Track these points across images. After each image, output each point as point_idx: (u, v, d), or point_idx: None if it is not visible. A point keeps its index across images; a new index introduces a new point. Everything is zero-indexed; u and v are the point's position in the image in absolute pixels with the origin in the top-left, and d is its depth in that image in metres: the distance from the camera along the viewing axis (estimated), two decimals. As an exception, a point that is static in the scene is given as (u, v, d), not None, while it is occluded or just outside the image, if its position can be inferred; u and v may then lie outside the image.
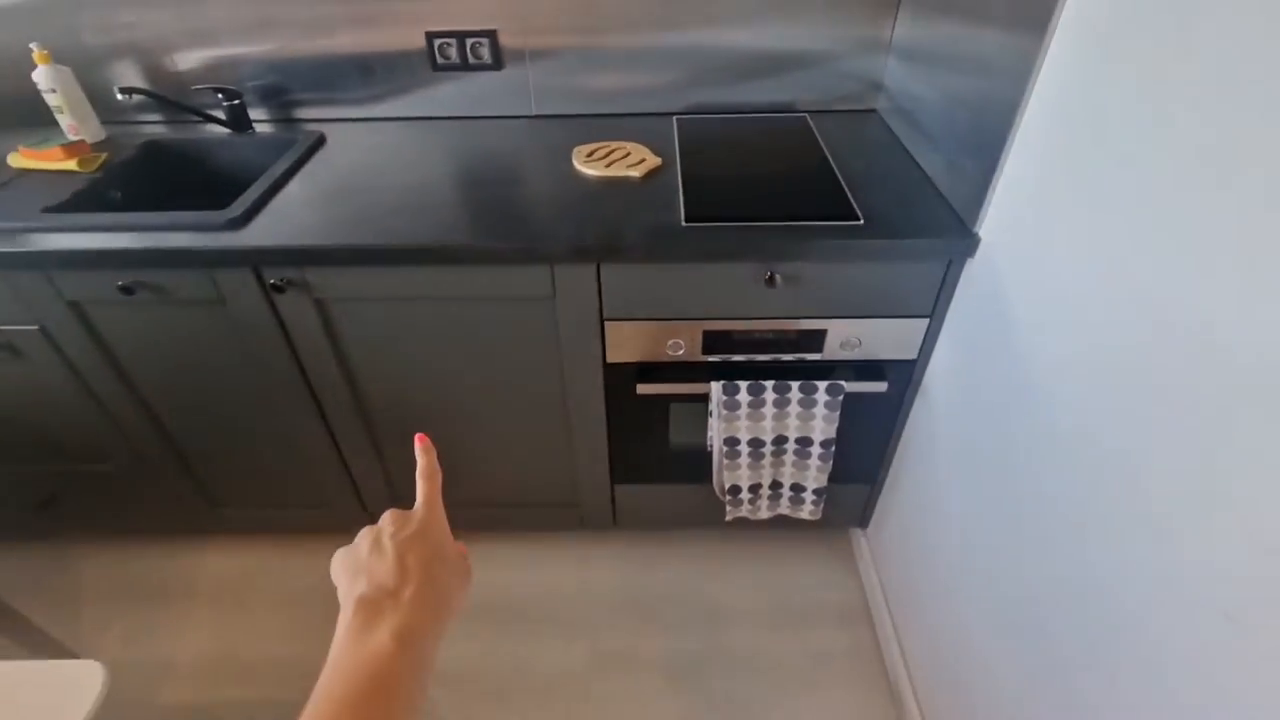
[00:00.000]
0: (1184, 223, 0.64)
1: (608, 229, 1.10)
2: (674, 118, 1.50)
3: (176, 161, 1.44)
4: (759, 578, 1.58)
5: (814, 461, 1.33)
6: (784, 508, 1.43)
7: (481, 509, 1.55)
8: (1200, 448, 0.61)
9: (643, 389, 1.25)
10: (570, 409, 1.33)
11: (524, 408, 1.34)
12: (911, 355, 1.23)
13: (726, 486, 1.37)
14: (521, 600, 1.55)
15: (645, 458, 1.43)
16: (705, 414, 1.33)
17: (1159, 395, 0.66)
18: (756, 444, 1.30)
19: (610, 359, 1.25)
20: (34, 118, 1.45)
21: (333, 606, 0.41)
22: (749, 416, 1.26)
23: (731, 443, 1.30)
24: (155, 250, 1.08)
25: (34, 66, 1.31)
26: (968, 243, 1.05)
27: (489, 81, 1.49)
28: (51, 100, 1.33)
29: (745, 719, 1.33)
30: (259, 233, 1.11)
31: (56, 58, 1.34)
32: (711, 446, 1.34)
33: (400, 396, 1.32)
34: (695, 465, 1.43)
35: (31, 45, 1.30)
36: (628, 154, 1.32)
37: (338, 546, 0.44)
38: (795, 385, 1.22)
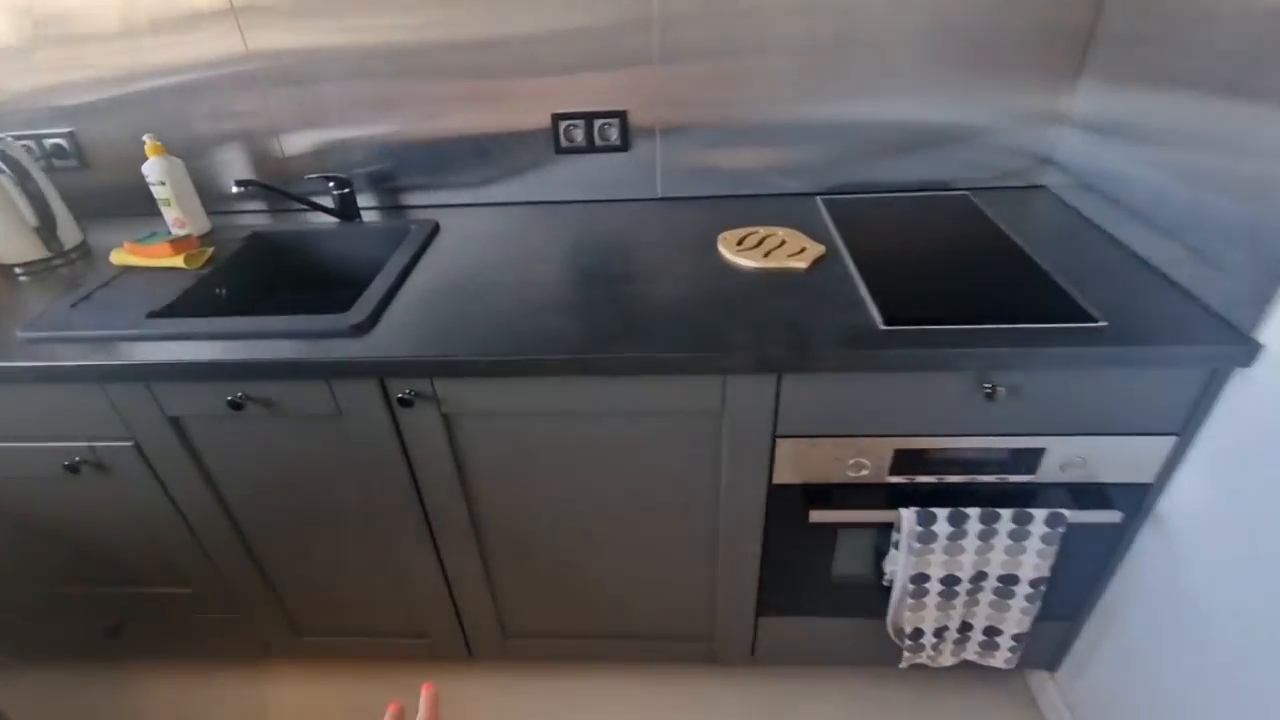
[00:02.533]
0: None
1: (793, 333, 0.93)
2: (818, 198, 1.36)
3: (284, 254, 1.34)
4: (925, 729, 1.33)
5: (1018, 603, 1.10)
6: (971, 653, 1.19)
7: (596, 640, 1.34)
8: None
9: (817, 516, 1.05)
10: (720, 535, 1.14)
11: (664, 534, 1.15)
12: (1147, 479, 1.02)
13: (907, 630, 1.14)
14: (644, 752, 1.32)
15: (801, 589, 1.22)
16: (875, 539, 1.13)
17: None
18: (951, 581, 1.08)
19: (776, 479, 1.06)
20: (136, 208, 1.37)
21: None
22: (946, 550, 1.05)
23: (919, 580, 1.08)
24: (273, 363, 0.94)
25: (144, 158, 1.23)
26: (1242, 350, 0.86)
27: (613, 163, 1.37)
28: (159, 193, 1.24)
29: None
30: (385, 339, 0.97)
31: (167, 147, 1.26)
32: (891, 582, 1.12)
33: (523, 519, 1.14)
34: (858, 597, 1.21)
35: (145, 137, 1.22)
36: (783, 241, 1.17)
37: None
38: (1006, 515, 1.01)
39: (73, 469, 1.07)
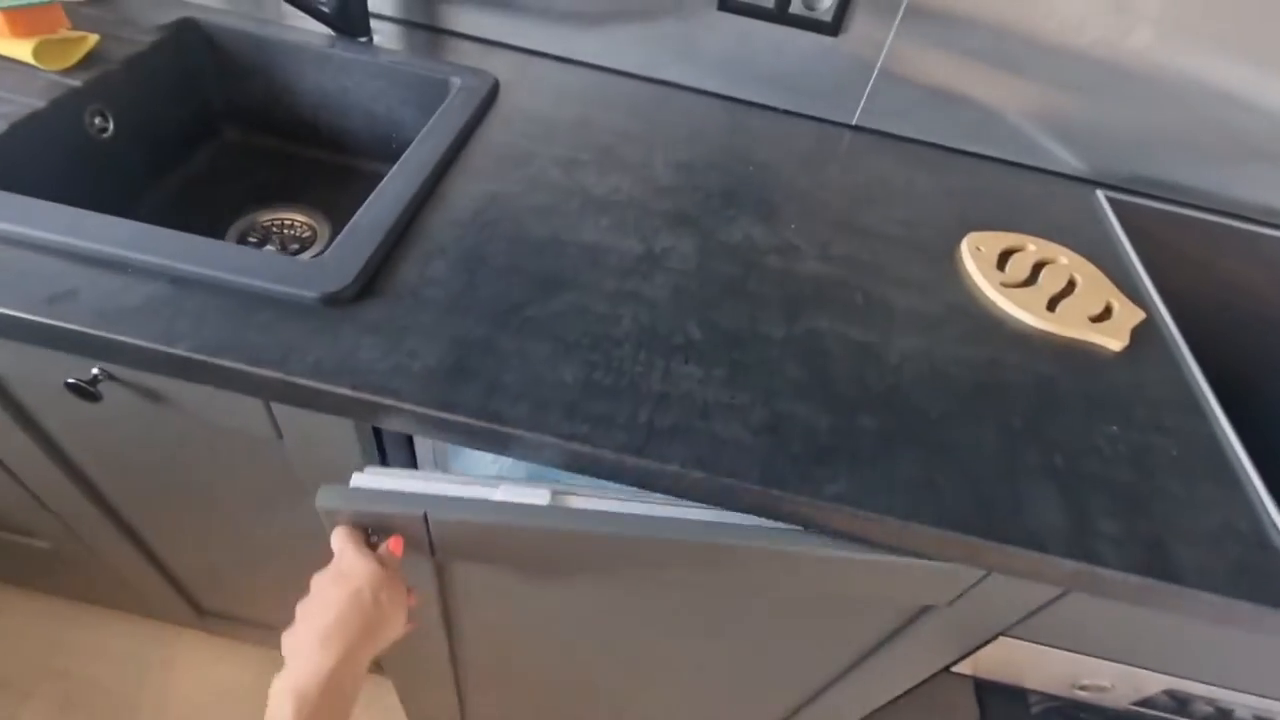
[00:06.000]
0: None
1: (1135, 526, 0.50)
2: (1099, 192, 0.85)
3: (230, 73, 0.79)
4: None
5: None
6: None
7: None
8: None
9: (1001, 733, 0.68)
10: (817, 706, 0.77)
11: (718, 694, 0.78)
12: None
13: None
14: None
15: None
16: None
17: None
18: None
19: (960, 669, 0.68)
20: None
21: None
22: (1158, 809, 0.71)
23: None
24: (156, 354, 0.47)
25: None
26: None
27: (803, 47, 0.82)
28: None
29: None
30: (381, 338, 0.51)
31: None
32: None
33: (523, 663, 0.76)
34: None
35: None
36: (1071, 279, 0.70)
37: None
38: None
39: None
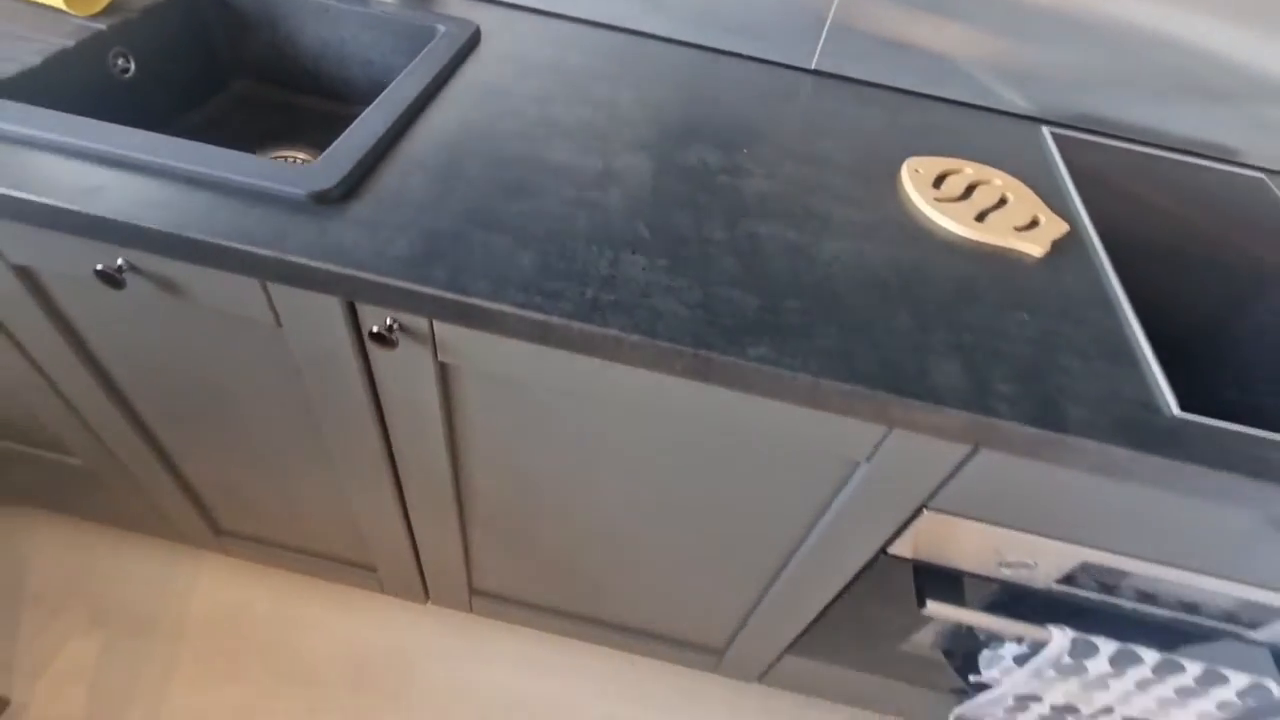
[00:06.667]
0: None
1: (1031, 390, 0.56)
2: (1045, 129, 0.91)
3: (239, 25, 0.88)
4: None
5: (1133, 745, 0.85)
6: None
7: (582, 622, 1.09)
8: None
9: (933, 609, 0.74)
10: (784, 577, 0.84)
11: (708, 555, 0.85)
12: (1407, 675, 0.72)
13: (979, 735, 0.90)
14: (611, 748, 1.13)
15: (858, 649, 0.96)
16: (979, 634, 0.84)
17: None
18: (1065, 711, 0.82)
19: (894, 550, 0.74)
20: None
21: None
22: (1085, 685, 0.77)
23: (1028, 700, 0.82)
24: (172, 237, 0.55)
25: None
26: None
27: (761, -4, 0.89)
28: None
29: None
30: (364, 229, 0.58)
31: None
32: (982, 683, 0.86)
33: (523, 498, 0.83)
34: (921, 671, 0.96)
35: None
36: (1003, 199, 0.76)
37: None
38: (1191, 671, 0.72)
39: (-124, 298, 0.70)
